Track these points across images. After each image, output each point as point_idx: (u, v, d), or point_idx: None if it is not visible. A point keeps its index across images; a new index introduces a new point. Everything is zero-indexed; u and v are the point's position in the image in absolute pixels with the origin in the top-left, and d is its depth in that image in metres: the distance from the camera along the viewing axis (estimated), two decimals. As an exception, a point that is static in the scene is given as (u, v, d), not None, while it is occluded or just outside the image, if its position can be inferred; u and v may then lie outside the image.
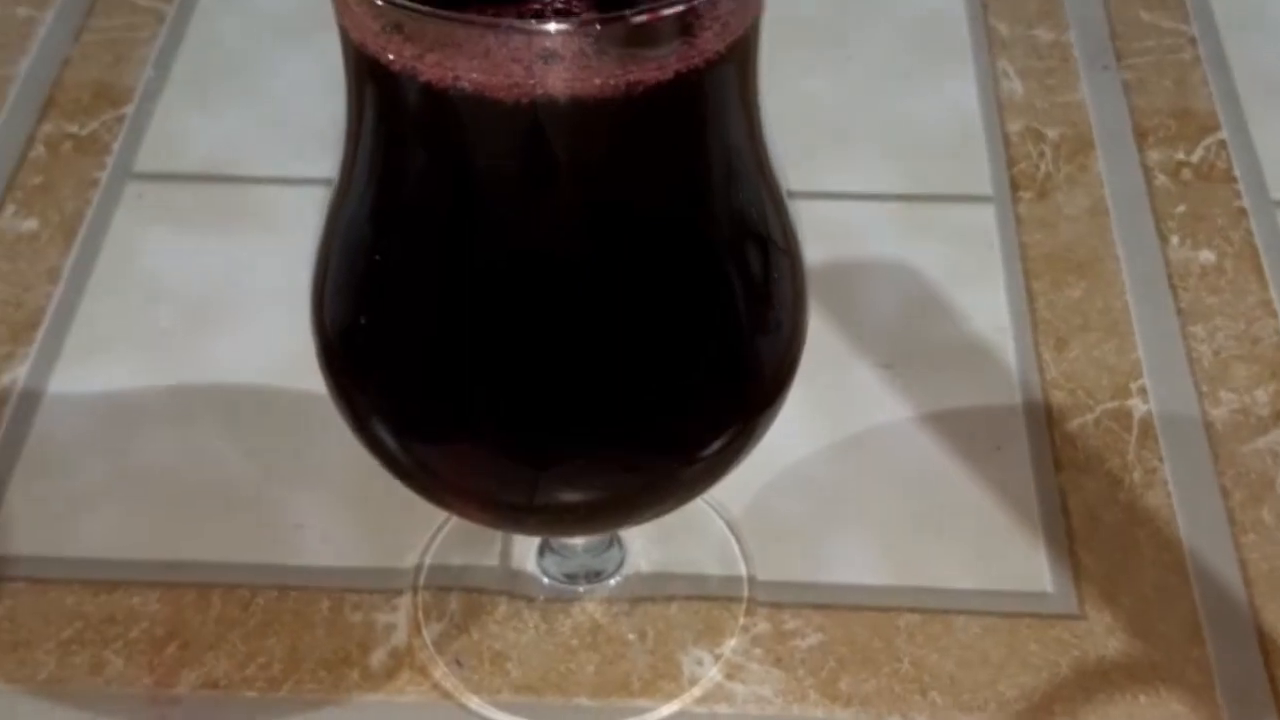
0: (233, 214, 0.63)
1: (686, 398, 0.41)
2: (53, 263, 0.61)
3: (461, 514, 0.44)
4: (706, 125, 0.37)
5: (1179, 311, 0.59)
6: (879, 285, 0.61)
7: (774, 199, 0.41)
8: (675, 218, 0.38)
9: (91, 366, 0.58)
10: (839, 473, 0.54)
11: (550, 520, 0.43)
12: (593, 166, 0.36)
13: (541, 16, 0.37)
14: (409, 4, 0.33)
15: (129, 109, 0.68)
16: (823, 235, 0.62)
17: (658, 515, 0.43)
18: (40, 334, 0.59)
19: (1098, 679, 0.49)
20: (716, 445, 0.42)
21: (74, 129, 0.67)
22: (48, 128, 0.67)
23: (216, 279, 0.61)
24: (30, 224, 0.63)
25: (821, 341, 0.58)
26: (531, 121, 0.35)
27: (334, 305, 0.42)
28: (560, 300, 0.38)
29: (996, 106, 0.68)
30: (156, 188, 0.64)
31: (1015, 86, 0.68)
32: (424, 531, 0.52)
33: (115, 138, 0.66)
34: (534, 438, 0.40)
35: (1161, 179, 0.64)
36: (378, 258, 0.40)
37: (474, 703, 0.48)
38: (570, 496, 0.41)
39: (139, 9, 0.72)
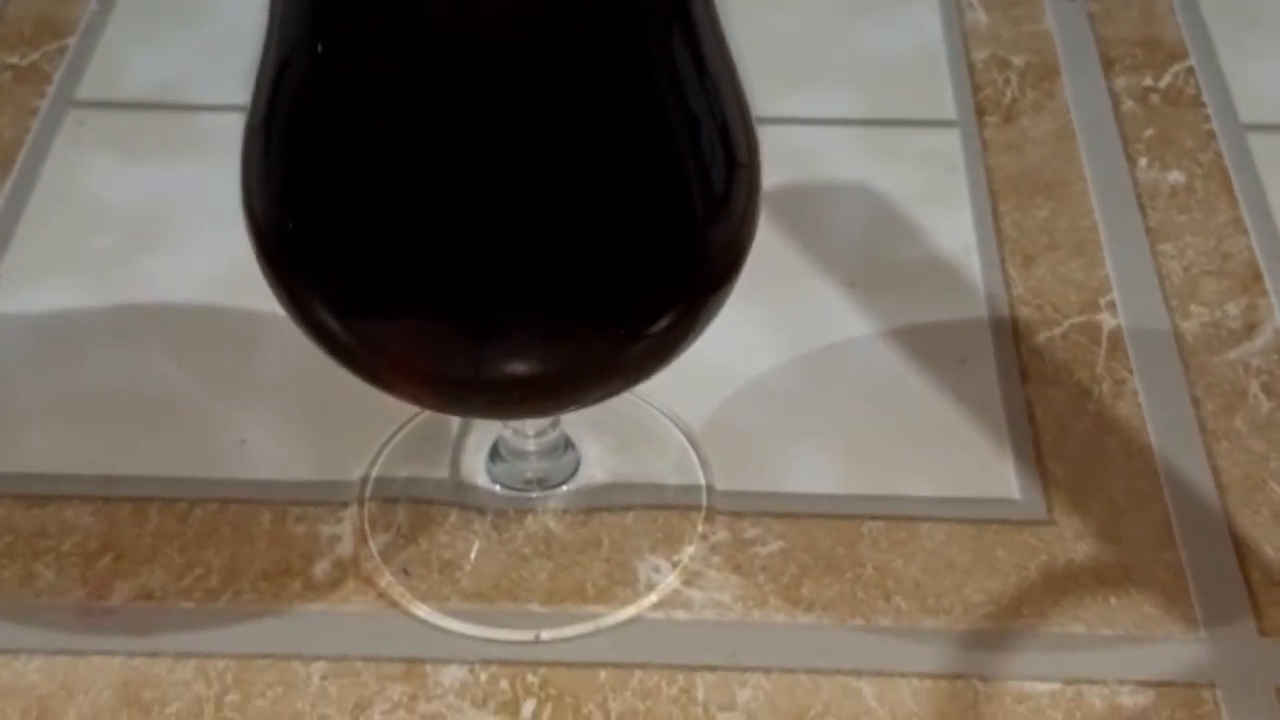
0: (177, 141, 0.61)
1: (631, 268, 0.39)
2: (-10, 188, 0.59)
3: (409, 397, 0.42)
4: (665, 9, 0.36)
5: (1148, 230, 0.58)
6: (843, 207, 0.59)
7: (734, 87, 0.40)
8: (626, 73, 0.36)
9: (29, 290, 0.56)
10: (801, 387, 0.53)
11: (496, 400, 0.41)
12: (542, 42, 0.34)
13: None
14: None
15: (72, 40, 0.66)
16: (787, 159, 0.61)
17: (607, 395, 0.41)
18: (-25, 257, 0.57)
19: (1067, 582, 0.47)
20: (663, 322, 0.40)
21: (14, 60, 0.65)
22: (-13, 58, 0.65)
23: (159, 204, 0.59)
24: (-33, 150, 0.61)
25: (784, 261, 0.57)
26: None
27: (262, 178, 0.40)
28: (499, 157, 0.36)
29: (961, 37, 0.66)
30: (98, 115, 0.63)
31: (980, 17, 0.67)
32: (370, 446, 0.51)
33: (57, 68, 0.65)
34: (476, 305, 0.38)
35: (1129, 104, 0.63)
36: (303, 119, 0.38)
37: (421, 610, 0.46)
38: (515, 368, 0.39)
39: (84, -55, 0.71)
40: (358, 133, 0.37)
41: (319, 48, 0.37)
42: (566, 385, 0.41)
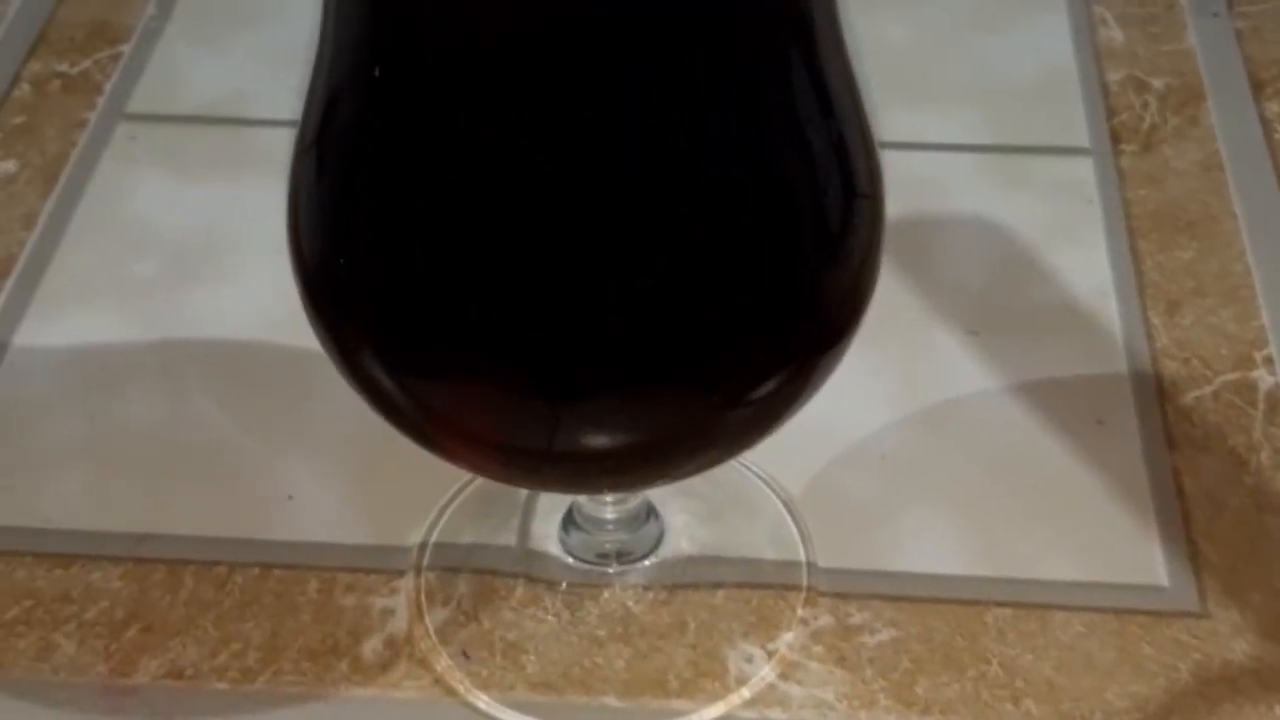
0: (231, 158, 0.56)
1: (734, 323, 0.33)
2: (30, 207, 0.55)
3: (470, 465, 0.37)
4: (783, 18, 0.30)
5: (1309, 275, 0.51)
6: (963, 243, 0.53)
7: (856, 115, 0.34)
8: (730, 106, 0.30)
9: (65, 319, 0.51)
10: (916, 448, 0.47)
11: (572, 471, 0.36)
12: (631, 50, 0.29)
13: None
14: None
15: (125, 47, 0.61)
16: (900, 189, 0.54)
17: (698, 469, 0.36)
18: (9, 283, 0.52)
19: (1223, 686, 0.41)
20: (768, 386, 0.35)
21: (64, 68, 0.60)
22: (35, 66, 0.60)
23: (210, 228, 0.54)
24: (7, 166, 0.56)
25: (899, 304, 0.51)
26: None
27: (312, 222, 0.35)
28: (583, 188, 0.31)
29: (1094, 55, 0.60)
30: (150, 129, 0.58)
31: (1114, 34, 0.61)
32: (430, 506, 0.45)
33: (109, 77, 0.60)
34: (552, 363, 0.33)
35: (1284, 132, 0.56)
36: (358, 161, 0.33)
37: (482, 701, 0.41)
38: (594, 438, 0.34)
39: (145, -54, 0.66)
40: (420, 161, 0.32)
41: (376, 70, 0.31)
42: (653, 459, 0.35)
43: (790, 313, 0.34)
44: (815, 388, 0.36)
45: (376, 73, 0.31)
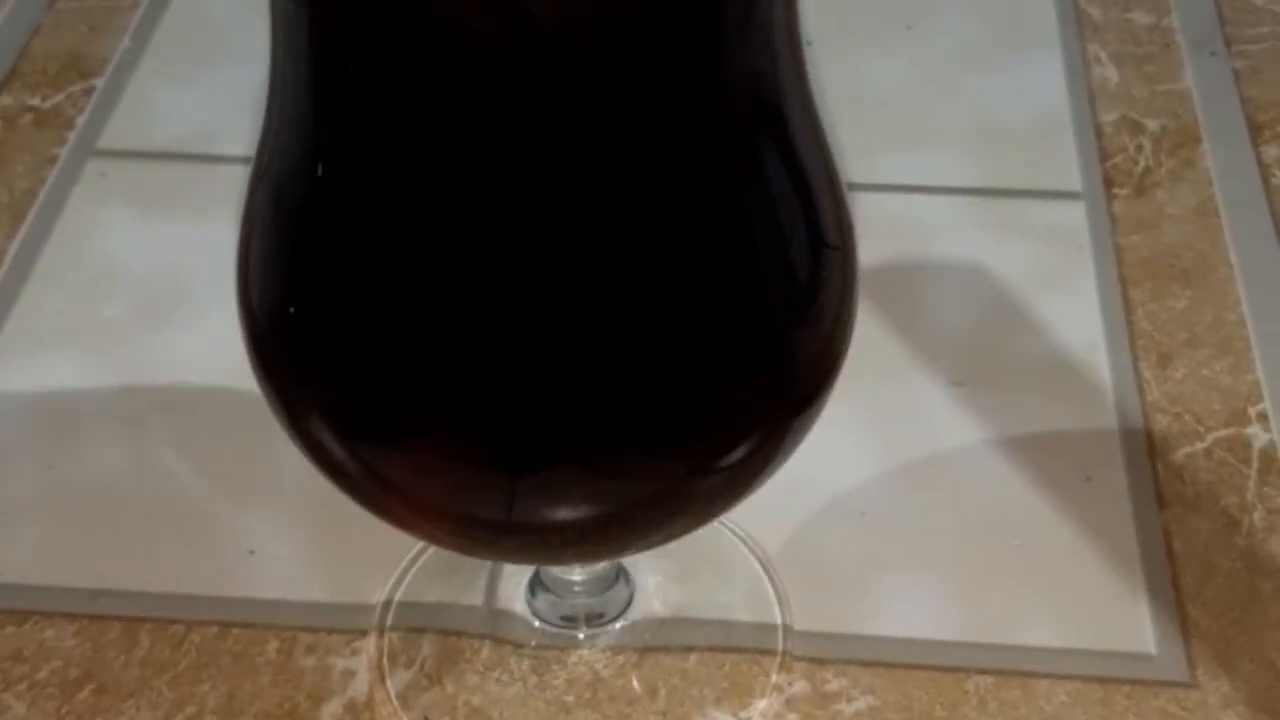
0: (203, 196, 0.55)
1: (703, 389, 0.32)
2: (-5, 245, 0.53)
3: (424, 535, 0.35)
4: (741, 59, 0.29)
5: (1305, 327, 0.50)
6: (949, 291, 0.52)
7: (824, 163, 0.32)
8: (693, 168, 0.29)
9: (28, 363, 0.50)
10: (897, 505, 0.45)
11: (533, 543, 0.34)
12: (589, 99, 0.27)
13: None
14: None
15: (99, 81, 0.60)
16: (888, 232, 0.53)
17: (667, 539, 0.34)
18: (-28, 325, 0.51)
19: (1215, 764, 0.39)
20: (739, 452, 0.33)
21: (35, 101, 0.59)
22: (6, 100, 0.59)
23: (177, 267, 0.53)
24: (-26, 202, 0.55)
25: (882, 353, 0.49)
26: (507, 24, 0.26)
27: (261, 276, 0.33)
28: (541, 263, 0.29)
29: (1087, 95, 0.59)
30: (121, 166, 0.56)
31: (1109, 73, 0.59)
32: (395, 562, 0.44)
33: (81, 112, 0.58)
34: (510, 431, 0.31)
35: (1281, 177, 0.55)
36: (310, 214, 0.31)
37: (442, 771, 0.39)
38: (556, 511, 0.32)
39: (122, -24, 0.65)
40: (370, 221, 0.30)
41: (329, 119, 0.30)
42: (620, 530, 0.34)
43: (760, 375, 0.33)
44: (789, 451, 0.35)
45: (328, 124, 0.30)
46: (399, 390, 0.32)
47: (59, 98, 0.59)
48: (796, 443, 0.35)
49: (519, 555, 0.38)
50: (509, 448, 0.32)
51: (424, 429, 0.32)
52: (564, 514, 0.33)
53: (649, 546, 0.35)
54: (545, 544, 0.34)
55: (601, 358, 0.31)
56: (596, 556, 0.39)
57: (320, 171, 0.30)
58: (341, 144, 0.30)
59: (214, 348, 0.50)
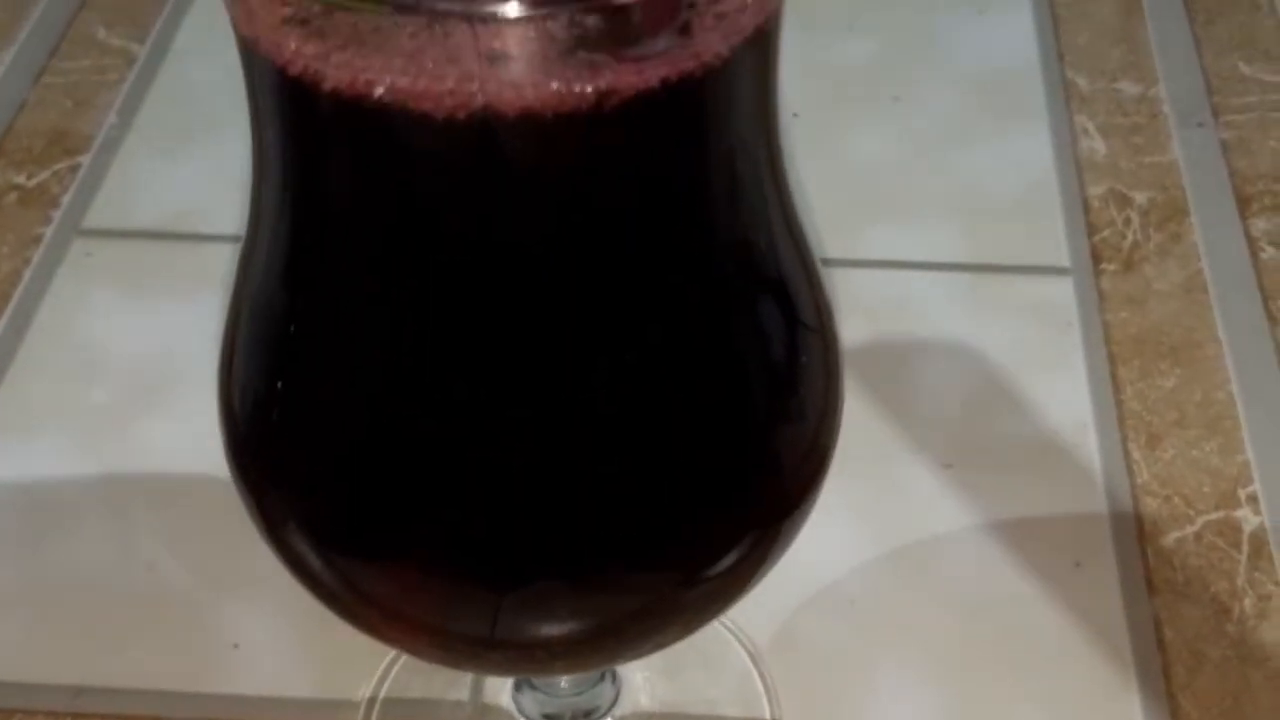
0: (189, 276, 0.55)
1: (686, 499, 0.32)
2: (-21, 329, 0.53)
3: (404, 648, 0.35)
4: (706, 152, 0.28)
5: (1295, 406, 0.50)
6: (937, 369, 0.52)
7: (797, 250, 0.32)
8: (664, 272, 0.29)
9: (11, 450, 0.49)
10: (886, 593, 0.45)
11: (517, 657, 0.34)
12: (556, 206, 0.27)
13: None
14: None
15: (85, 159, 0.60)
16: (873, 309, 0.53)
17: (656, 648, 0.34)
18: (-44, 411, 0.51)
19: None
20: (728, 560, 0.33)
21: (20, 179, 0.59)
22: (-8, 178, 0.59)
23: (164, 350, 0.52)
24: (-42, 285, 0.55)
25: (869, 435, 0.49)
26: (473, 145, 0.26)
27: (243, 380, 0.33)
28: (518, 378, 0.29)
29: (1075, 167, 0.59)
30: (107, 246, 0.56)
31: (1096, 145, 0.59)
32: (380, 656, 0.43)
33: (66, 190, 0.58)
34: (493, 549, 0.31)
35: (1270, 252, 0.55)
36: (292, 323, 0.31)
37: None
38: (542, 627, 0.32)
39: (109, 49, 0.65)
40: (351, 345, 0.30)
41: (309, 235, 0.30)
42: (607, 643, 0.33)
43: (747, 483, 0.33)
44: (780, 554, 0.35)
45: (304, 242, 0.30)
46: (379, 505, 0.32)
47: (44, 175, 0.59)
48: (787, 544, 0.35)
49: (504, 669, 0.38)
50: (492, 564, 0.31)
51: (405, 544, 0.32)
52: (550, 630, 0.33)
53: (639, 656, 0.35)
54: (531, 658, 0.34)
55: (586, 474, 0.31)
56: (584, 668, 0.38)
57: (298, 299, 0.30)
58: (321, 267, 0.30)
59: (200, 434, 0.49)
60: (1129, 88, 0.62)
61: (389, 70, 0.26)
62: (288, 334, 0.32)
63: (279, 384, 0.32)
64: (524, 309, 0.29)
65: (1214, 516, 0.47)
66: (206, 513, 0.47)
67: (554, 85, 0.26)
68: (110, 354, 0.52)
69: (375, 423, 0.31)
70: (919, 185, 0.58)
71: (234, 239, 0.56)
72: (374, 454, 0.31)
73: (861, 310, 0.53)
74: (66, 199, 0.58)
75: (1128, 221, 0.56)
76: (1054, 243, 0.56)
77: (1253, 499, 0.47)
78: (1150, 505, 0.47)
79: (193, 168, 0.59)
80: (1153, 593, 0.45)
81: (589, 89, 0.26)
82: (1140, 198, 0.57)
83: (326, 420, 0.32)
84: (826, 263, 0.55)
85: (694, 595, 0.34)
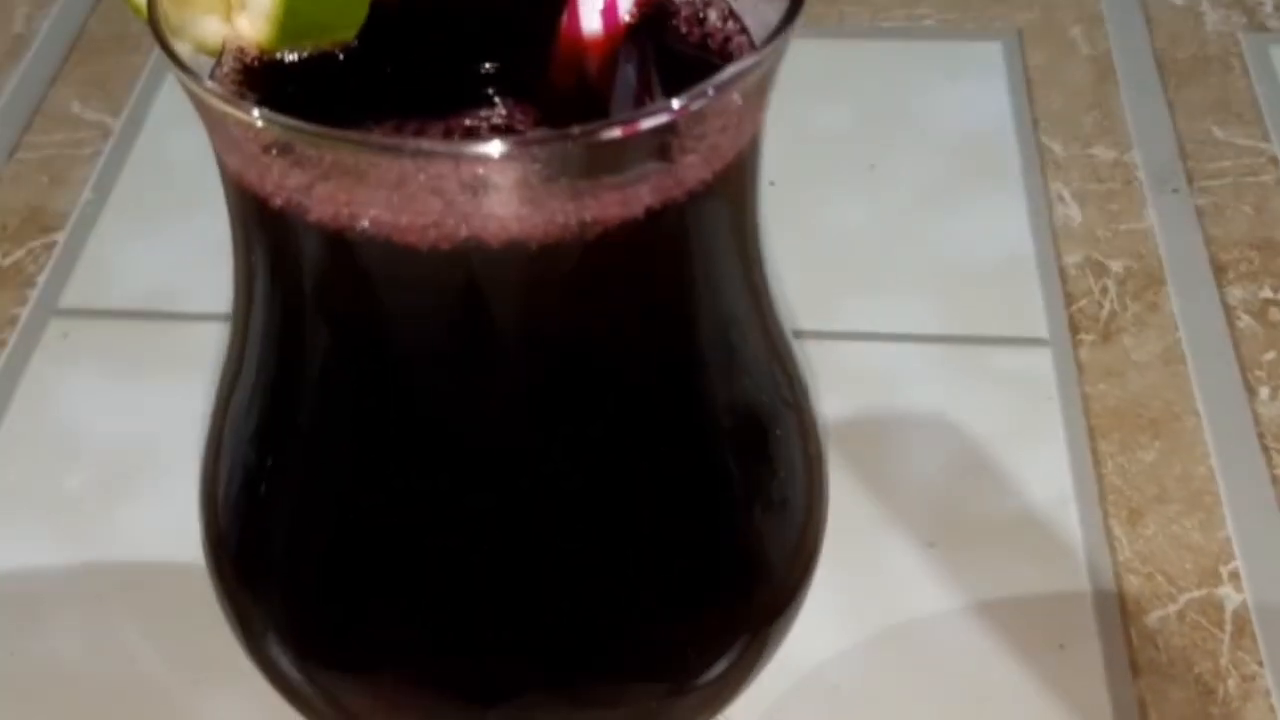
0: (168, 357, 0.55)
1: (673, 610, 0.32)
2: (-45, 414, 0.53)
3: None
4: (687, 278, 0.28)
5: (1274, 479, 0.50)
6: (918, 444, 0.52)
7: (779, 362, 0.32)
8: (648, 392, 0.29)
9: (-11, 539, 0.49)
10: (871, 678, 0.45)
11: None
12: (539, 332, 0.27)
13: (472, 134, 0.28)
14: (293, 120, 0.25)
15: (60, 236, 0.59)
16: (852, 383, 0.53)
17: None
18: (-69, 499, 0.50)
19: None
20: (717, 668, 0.33)
21: (-4, 258, 0.59)
22: (-33, 257, 0.59)
23: (143, 434, 0.52)
24: (-67, 369, 0.54)
25: (850, 514, 0.49)
26: (458, 275, 0.26)
27: (227, 497, 0.33)
28: (504, 492, 0.29)
29: (1051, 235, 0.59)
30: (84, 326, 0.56)
31: (1072, 212, 0.60)
32: (365, 751, 0.43)
33: (42, 269, 0.58)
34: (479, 663, 0.31)
35: (1246, 321, 0.55)
36: (275, 444, 0.31)
37: None
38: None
39: (83, 123, 0.64)
40: (337, 467, 0.30)
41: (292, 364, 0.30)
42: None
43: (733, 597, 0.33)
44: (770, 657, 0.35)
45: (284, 364, 0.30)
46: (363, 621, 0.31)
47: (19, 254, 0.59)
48: (777, 647, 0.35)
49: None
50: (478, 678, 0.31)
51: (388, 660, 0.32)
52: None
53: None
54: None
55: (573, 592, 0.30)
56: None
57: (282, 422, 0.30)
58: (305, 392, 0.30)
59: (178, 521, 0.49)
60: (1103, 153, 0.62)
61: (373, 203, 0.26)
62: (271, 456, 0.32)
63: (262, 499, 0.32)
64: (510, 433, 0.29)
65: (1196, 594, 0.47)
66: (184, 602, 0.47)
67: (538, 217, 0.26)
68: (88, 438, 0.52)
69: (359, 537, 0.31)
70: (896, 255, 0.58)
71: (214, 317, 0.56)
72: (359, 567, 0.31)
73: (839, 384, 0.53)
74: (42, 278, 0.58)
75: (1105, 291, 0.56)
76: (1032, 313, 0.56)
77: (1234, 576, 0.47)
78: (1133, 583, 0.47)
79: (171, 244, 0.59)
80: (1137, 674, 0.45)
81: (573, 220, 0.26)
82: (1117, 266, 0.57)
83: (310, 533, 0.32)
84: (802, 334, 0.55)
85: (683, 705, 0.34)
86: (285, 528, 0.32)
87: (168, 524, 0.49)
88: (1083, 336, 0.55)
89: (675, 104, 0.25)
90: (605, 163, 0.25)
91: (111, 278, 0.58)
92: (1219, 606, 0.46)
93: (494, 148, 0.24)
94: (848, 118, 0.64)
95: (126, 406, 0.53)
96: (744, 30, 0.30)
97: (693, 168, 0.26)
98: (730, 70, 0.26)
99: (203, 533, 0.34)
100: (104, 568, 0.48)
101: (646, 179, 0.26)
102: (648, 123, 0.25)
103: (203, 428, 0.47)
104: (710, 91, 0.25)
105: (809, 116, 0.63)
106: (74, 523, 0.49)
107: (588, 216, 0.26)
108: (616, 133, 0.25)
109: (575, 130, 0.24)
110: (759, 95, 0.28)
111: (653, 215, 0.26)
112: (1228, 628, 0.46)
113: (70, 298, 0.57)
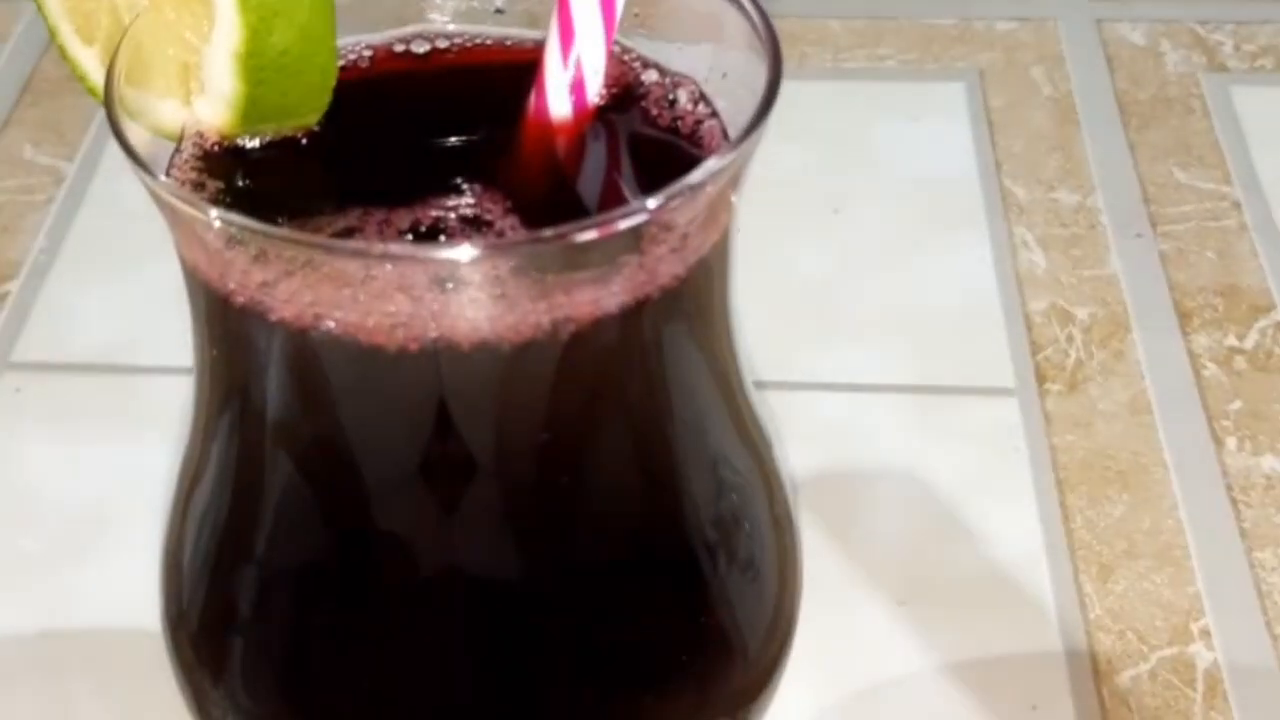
0: (126, 412, 0.54)
1: (649, 704, 0.31)
2: (-95, 476, 0.52)
3: None
4: (660, 375, 0.28)
5: (1242, 532, 0.50)
6: (888, 500, 0.51)
7: (754, 457, 0.32)
8: (618, 497, 0.28)
9: (-61, 605, 0.48)
10: (842, 742, 0.45)
11: None
12: (508, 434, 0.27)
13: (440, 231, 0.27)
14: (252, 221, 0.24)
15: (12, 286, 0.58)
16: (817, 435, 0.53)
17: None
18: (-119, 564, 0.49)
19: None
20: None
21: (-54, 312, 0.57)
22: (-85, 311, 0.57)
23: (100, 493, 0.51)
24: (-118, 428, 0.53)
25: (819, 574, 0.48)
26: (424, 376, 0.26)
27: (188, 593, 0.32)
28: (470, 587, 0.29)
29: (1015, 281, 0.58)
30: (37, 380, 0.55)
31: (1036, 258, 0.59)
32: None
33: (-6, 321, 0.57)
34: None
35: (1211, 369, 0.55)
36: (238, 558, 0.30)
37: None
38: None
39: (35, 168, 0.63)
40: (299, 582, 0.30)
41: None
42: None
43: (710, 685, 0.32)
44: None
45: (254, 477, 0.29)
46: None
47: (-30, 307, 0.58)
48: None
49: None
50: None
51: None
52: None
53: None
54: None
55: (543, 688, 0.30)
56: None
57: (244, 520, 0.29)
58: (267, 489, 0.29)
59: (138, 585, 0.48)
60: (1066, 197, 0.62)
61: (338, 304, 0.25)
62: (230, 571, 0.31)
63: (224, 600, 0.32)
64: (478, 531, 0.28)
65: (1168, 653, 0.46)
66: (148, 674, 0.46)
67: (510, 317, 0.25)
68: (42, 498, 0.51)
69: (324, 642, 0.30)
70: (860, 303, 0.58)
71: (174, 370, 0.55)
72: (321, 671, 0.30)
73: (803, 436, 0.53)
74: (-5, 331, 0.57)
75: (1070, 339, 0.56)
76: (997, 362, 0.56)
77: (1205, 633, 0.47)
78: (1104, 642, 0.47)
79: (128, 294, 0.58)
80: (1109, 735, 0.44)
81: (545, 319, 0.25)
82: (1082, 313, 0.57)
83: (270, 651, 0.31)
84: (763, 385, 0.54)
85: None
86: (248, 621, 0.31)
87: (125, 587, 0.48)
88: (1049, 386, 0.55)
89: (651, 203, 0.24)
90: (576, 264, 0.25)
91: (66, 330, 0.57)
92: (1190, 665, 0.46)
93: (464, 253, 0.24)
94: (810, 160, 0.64)
95: (83, 464, 0.52)
96: (715, 114, 0.29)
97: (666, 266, 0.26)
98: (707, 166, 0.25)
99: (163, 615, 0.34)
100: (60, 635, 0.47)
101: (617, 276, 0.25)
102: (618, 222, 0.25)
103: (163, 493, 0.46)
104: (687, 189, 0.25)
105: (770, 158, 0.63)
106: (28, 586, 0.48)
107: (560, 316, 0.25)
108: (585, 233, 0.24)
109: (548, 233, 0.24)
110: (733, 183, 0.28)
111: (626, 311, 0.26)
112: (1199, 687, 0.46)
113: (23, 351, 0.56)
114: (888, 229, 0.61)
